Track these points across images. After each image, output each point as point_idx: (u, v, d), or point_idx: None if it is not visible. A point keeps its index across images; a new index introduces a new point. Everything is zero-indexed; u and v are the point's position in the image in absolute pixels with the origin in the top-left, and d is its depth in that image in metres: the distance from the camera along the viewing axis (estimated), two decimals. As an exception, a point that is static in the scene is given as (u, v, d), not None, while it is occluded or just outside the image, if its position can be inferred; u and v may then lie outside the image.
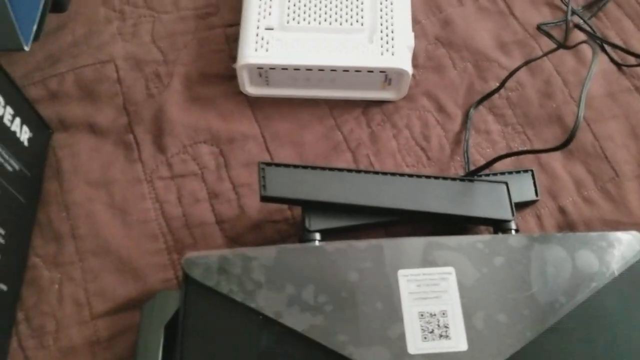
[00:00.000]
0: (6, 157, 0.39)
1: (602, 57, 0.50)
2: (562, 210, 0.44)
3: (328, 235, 0.40)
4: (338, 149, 0.46)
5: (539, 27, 0.50)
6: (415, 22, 0.51)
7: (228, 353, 0.35)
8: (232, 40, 0.50)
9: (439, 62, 0.50)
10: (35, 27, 0.42)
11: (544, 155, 0.46)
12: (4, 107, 0.39)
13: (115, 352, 0.39)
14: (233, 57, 0.49)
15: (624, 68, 0.50)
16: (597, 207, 0.44)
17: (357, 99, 0.48)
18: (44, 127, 0.45)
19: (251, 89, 0.48)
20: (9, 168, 0.40)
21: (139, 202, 0.44)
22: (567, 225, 0.44)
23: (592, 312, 0.37)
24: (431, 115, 0.48)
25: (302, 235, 0.40)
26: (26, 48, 0.41)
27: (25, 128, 0.42)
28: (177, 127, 0.46)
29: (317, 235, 0.40)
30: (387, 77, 0.46)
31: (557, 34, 0.51)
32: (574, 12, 0.51)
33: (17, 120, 0.41)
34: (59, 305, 0.40)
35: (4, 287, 0.38)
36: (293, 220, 0.43)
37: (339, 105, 0.48)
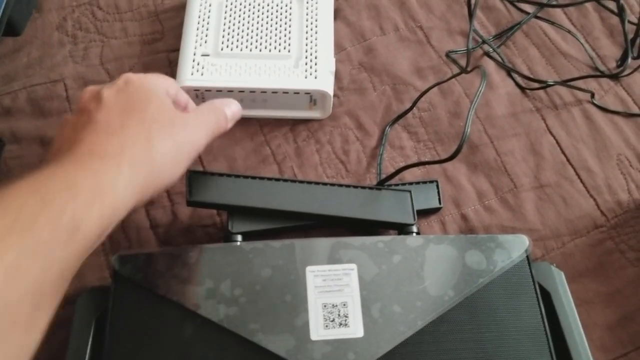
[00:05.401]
0: (-43, 165, 0.43)
1: (508, 81, 0.56)
2: (464, 217, 0.49)
3: (250, 237, 0.45)
4: (266, 162, 0.51)
5: (447, 55, 0.56)
6: (341, 48, 0.57)
7: (152, 343, 0.39)
8: (174, 64, 0.54)
9: (361, 85, 0.55)
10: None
11: (450, 168, 0.51)
12: (-43, 120, 0.44)
13: (50, 345, 0.43)
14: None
15: (527, 91, 0.56)
16: (497, 214, 0.50)
17: (286, 117, 0.53)
18: (-4, 140, 0.50)
19: (189, 108, 0.52)
20: (-41, 175, 0.44)
21: (81, 208, 0.48)
22: (469, 230, 0.49)
23: (478, 305, 0.41)
24: (352, 132, 0.53)
25: (226, 237, 0.45)
26: (-22, 68, 0.46)
27: (-23, 140, 0.46)
28: (119, 141, 0.51)
29: (239, 237, 0.45)
30: (312, 98, 0.52)
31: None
32: (484, 41, 0.57)
33: (-31, 132, 0.45)
34: (2, 300, 0.44)
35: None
36: (221, 225, 0.48)
37: (270, 123, 0.53)
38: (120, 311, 0.40)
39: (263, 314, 0.40)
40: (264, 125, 0.53)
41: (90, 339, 0.40)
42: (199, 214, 0.48)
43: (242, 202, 0.45)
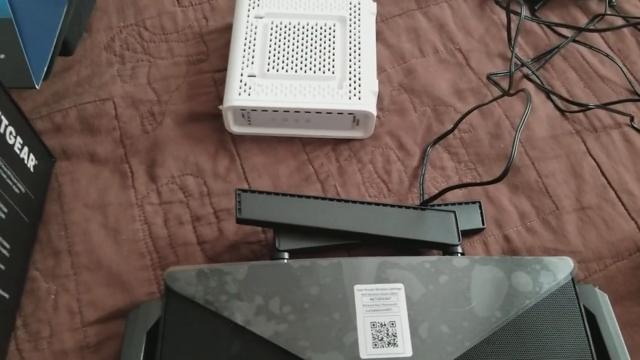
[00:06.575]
0: (14, 180, 0.45)
1: (548, 104, 0.57)
2: (506, 238, 0.50)
3: (296, 255, 0.46)
4: (309, 180, 0.52)
5: (488, 77, 0.57)
6: (382, 70, 0.58)
7: (203, 358, 0.40)
8: (219, 84, 0.56)
9: (402, 106, 0.56)
10: (45, 69, 0.49)
11: (491, 189, 0.51)
12: (15, 137, 0.45)
13: (102, 356, 0.44)
14: (220, 99, 0.55)
15: (567, 114, 0.56)
16: (539, 236, 0.50)
17: (329, 137, 0.54)
18: (49, 156, 0.51)
19: (235, 128, 0.54)
20: (16, 190, 0.45)
21: (130, 224, 0.49)
22: (511, 251, 0.49)
23: (525, 327, 0.42)
24: (393, 152, 0.54)
25: (273, 254, 0.46)
26: (37, 86, 0.47)
27: (32, 156, 0.48)
28: (168, 160, 0.52)
29: (286, 255, 0.45)
30: (355, 118, 0.53)
31: (507, 82, 0.57)
32: (523, 64, 0.58)
33: (25, 149, 0.47)
34: (54, 313, 0.45)
35: (6, 295, 0.43)
36: (266, 242, 0.49)
37: (312, 143, 0.54)
38: (172, 326, 0.41)
39: (312, 332, 0.40)
40: (306, 144, 0.54)
41: (142, 353, 0.41)
42: (245, 230, 0.49)
43: (290, 220, 0.46)
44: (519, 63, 0.58)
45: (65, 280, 0.46)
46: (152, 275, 0.47)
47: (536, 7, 0.62)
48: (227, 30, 0.59)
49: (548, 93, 0.57)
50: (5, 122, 0.43)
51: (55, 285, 0.46)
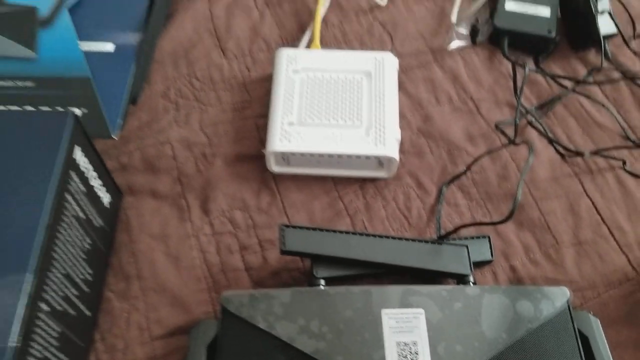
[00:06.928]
0: (95, 216, 0.53)
1: (550, 149, 0.64)
2: (513, 269, 0.57)
3: (331, 281, 0.53)
4: (340, 215, 0.60)
5: (496, 126, 0.65)
6: (402, 117, 0.66)
7: (254, 369, 0.48)
8: (261, 129, 0.64)
9: (420, 149, 0.64)
10: (120, 121, 0.57)
11: (500, 226, 0.59)
12: (96, 179, 0.54)
13: (168, 367, 0.52)
14: (262, 142, 0.63)
15: (567, 158, 0.64)
16: (541, 267, 0.57)
17: (356, 177, 0.62)
18: (118, 192, 0.60)
19: (276, 168, 0.62)
20: (96, 224, 0.53)
21: (188, 252, 0.57)
22: (517, 280, 0.56)
23: (527, 347, 0.48)
24: (413, 190, 0.61)
25: (311, 281, 0.53)
26: (114, 137, 0.56)
27: (107, 194, 0.56)
28: (219, 196, 0.60)
29: (322, 282, 0.53)
30: (380, 161, 0.60)
31: (513, 130, 0.65)
32: (527, 112, 0.66)
33: (103, 188, 0.55)
34: (127, 329, 0.53)
35: (89, 313, 0.51)
36: (304, 270, 0.57)
37: (342, 182, 0.62)
38: (227, 341, 0.49)
39: (347, 349, 0.48)
40: (337, 183, 0.62)
41: (204, 363, 0.49)
42: (285, 259, 0.57)
43: (326, 252, 0.54)
44: (524, 111, 0.66)
45: (135, 301, 0.54)
46: (207, 297, 0.55)
47: (540, 59, 0.70)
48: (266, 80, 0.68)
49: (550, 140, 0.64)
50: (91, 168, 0.52)
51: (127, 305, 0.54)
